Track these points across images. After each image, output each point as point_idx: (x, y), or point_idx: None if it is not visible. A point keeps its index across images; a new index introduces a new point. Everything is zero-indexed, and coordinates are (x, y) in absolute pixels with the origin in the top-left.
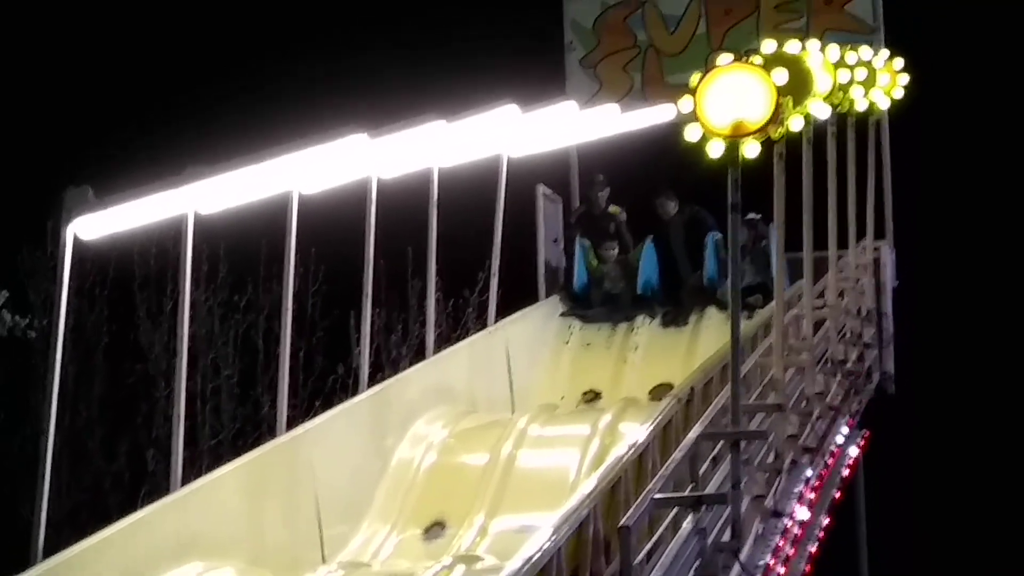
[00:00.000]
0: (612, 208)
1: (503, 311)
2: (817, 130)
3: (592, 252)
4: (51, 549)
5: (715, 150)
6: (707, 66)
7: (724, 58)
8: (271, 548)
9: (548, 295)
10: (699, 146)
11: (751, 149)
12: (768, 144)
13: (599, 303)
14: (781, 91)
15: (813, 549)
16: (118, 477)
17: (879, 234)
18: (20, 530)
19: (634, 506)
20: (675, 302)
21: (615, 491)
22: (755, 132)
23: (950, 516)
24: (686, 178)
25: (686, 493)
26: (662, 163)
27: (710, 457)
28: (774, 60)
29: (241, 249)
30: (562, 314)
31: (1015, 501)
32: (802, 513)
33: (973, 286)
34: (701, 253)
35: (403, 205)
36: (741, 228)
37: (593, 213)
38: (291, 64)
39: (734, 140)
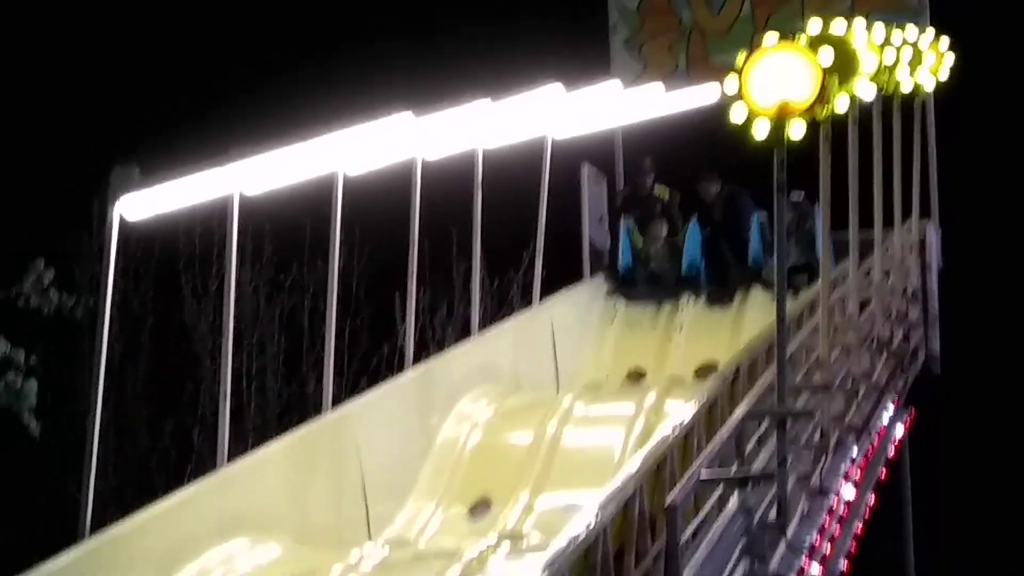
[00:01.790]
0: (658, 190)
1: (548, 290)
2: (863, 111)
3: (637, 232)
4: (98, 526)
5: (761, 130)
6: (752, 46)
7: (770, 38)
8: (316, 525)
9: (593, 275)
10: (745, 127)
11: (797, 129)
12: (814, 125)
13: (644, 283)
14: (827, 71)
15: (859, 528)
16: (164, 455)
17: (924, 214)
18: (67, 507)
19: (680, 484)
20: (720, 282)
21: (661, 470)
22: (801, 112)
23: (996, 496)
24: (731, 159)
25: (732, 471)
26: (705, 145)
27: (756, 436)
28: (820, 40)
29: (286, 229)
30: (608, 293)
31: None
32: (848, 492)
33: (1018, 266)
34: (740, 233)
35: (448, 185)
36: (787, 209)
37: (639, 195)
38: (337, 45)
39: (780, 120)
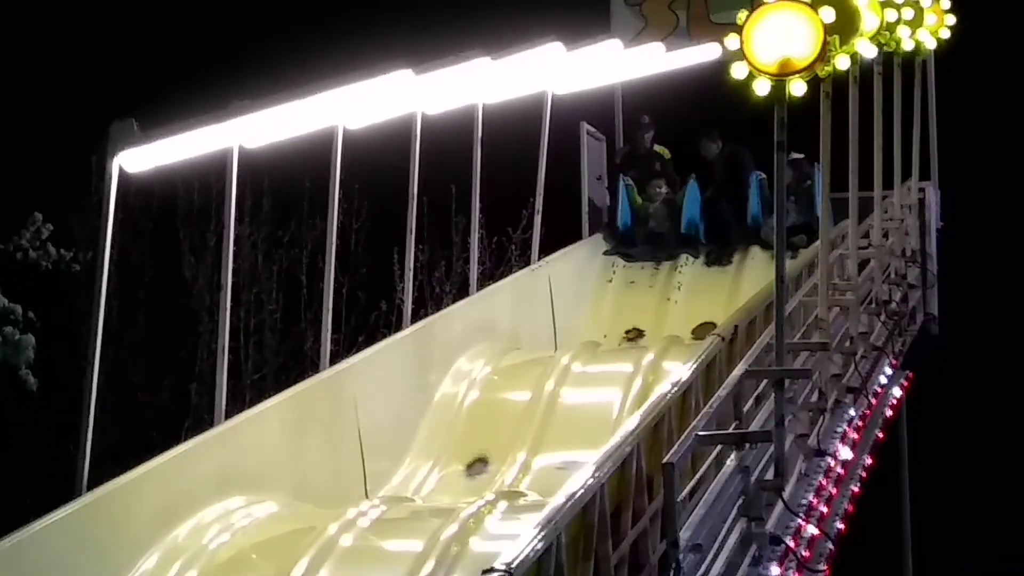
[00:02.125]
0: (657, 148)
1: (546, 249)
2: (863, 70)
3: (636, 191)
4: (95, 481)
5: (761, 88)
6: (754, 4)
7: None
8: (313, 482)
9: (592, 233)
10: (745, 84)
11: (797, 88)
12: (815, 83)
13: (643, 242)
14: (828, 29)
15: (856, 489)
16: (161, 411)
17: (924, 175)
18: (64, 462)
19: (678, 443)
20: (718, 242)
21: (658, 429)
22: (802, 70)
23: (992, 457)
24: (730, 119)
25: (730, 431)
26: (704, 104)
27: (754, 396)
28: None
29: (285, 185)
30: (605, 252)
31: None
32: (845, 453)
33: (1018, 227)
34: (740, 191)
35: (447, 142)
36: (786, 168)
37: (638, 153)
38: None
39: (781, 78)
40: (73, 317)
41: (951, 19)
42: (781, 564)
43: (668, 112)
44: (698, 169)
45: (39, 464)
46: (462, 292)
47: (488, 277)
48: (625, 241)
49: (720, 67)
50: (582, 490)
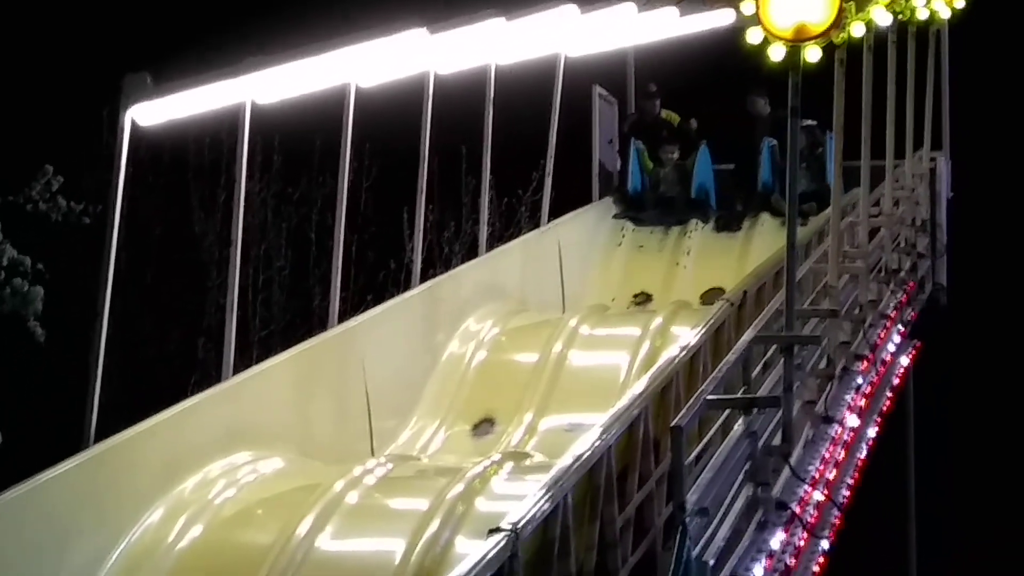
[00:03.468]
0: (666, 114)
1: (556, 211)
2: (878, 38)
3: (646, 155)
4: (102, 434)
5: (776, 54)
6: None
7: None
8: (320, 440)
9: (602, 196)
10: (760, 49)
11: (812, 54)
12: (829, 50)
13: (653, 206)
14: None
15: (862, 457)
16: (169, 364)
17: (936, 145)
18: (72, 414)
19: (686, 406)
20: (731, 205)
21: (666, 393)
22: (817, 36)
23: (998, 427)
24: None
25: (739, 395)
26: (718, 69)
27: (762, 361)
28: None
29: (296, 142)
30: (615, 216)
31: None
32: (852, 420)
33: None
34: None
35: (459, 102)
36: (799, 134)
37: (647, 119)
38: None
39: (795, 44)
40: (82, 270)
41: None
42: (787, 529)
43: (681, 77)
44: (710, 135)
45: (46, 416)
46: (471, 253)
47: (497, 239)
48: (635, 205)
49: (735, 32)
50: (589, 452)
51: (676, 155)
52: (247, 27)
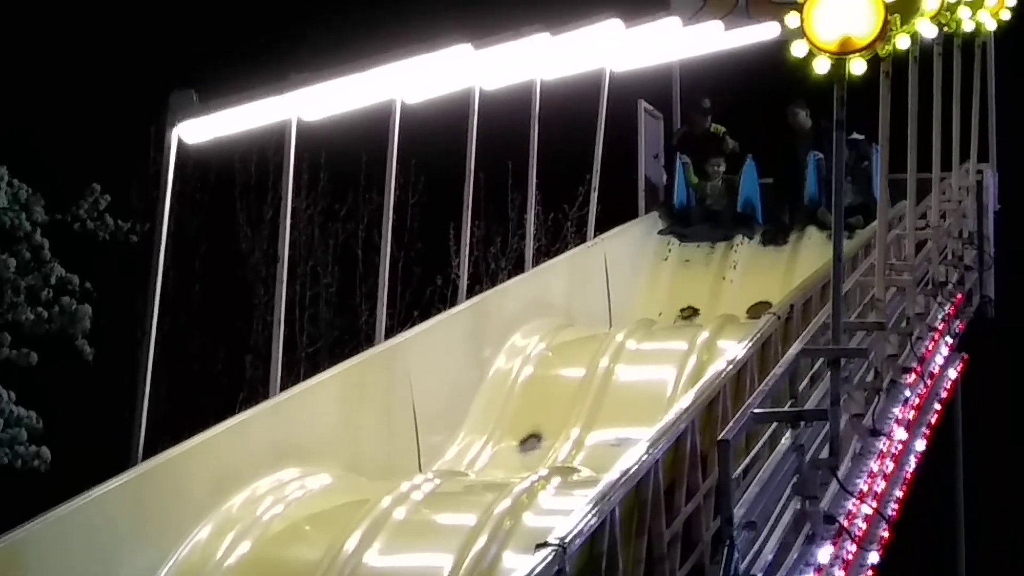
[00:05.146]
0: (715, 128)
1: (602, 226)
2: (923, 50)
3: (692, 169)
4: (149, 452)
5: (821, 67)
6: None
7: None
8: (367, 455)
9: (648, 211)
10: (805, 62)
11: (857, 67)
12: (874, 62)
13: (699, 220)
14: (889, 8)
15: (910, 470)
16: (216, 382)
17: (982, 157)
18: (120, 433)
19: (733, 420)
20: (777, 220)
21: (713, 407)
22: (862, 49)
23: None
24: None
25: (786, 409)
26: (763, 83)
27: (809, 375)
28: None
29: (342, 158)
30: (660, 231)
31: None
32: (900, 433)
33: None
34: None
35: (505, 118)
36: (844, 147)
37: (696, 133)
38: None
39: (840, 57)
40: (130, 288)
41: (1012, 0)
42: (835, 543)
43: (726, 92)
44: (755, 149)
45: (95, 433)
46: (517, 268)
47: (544, 254)
48: (680, 220)
49: (780, 46)
50: (636, 466)
51: (723, 168)
52: (292, 44)
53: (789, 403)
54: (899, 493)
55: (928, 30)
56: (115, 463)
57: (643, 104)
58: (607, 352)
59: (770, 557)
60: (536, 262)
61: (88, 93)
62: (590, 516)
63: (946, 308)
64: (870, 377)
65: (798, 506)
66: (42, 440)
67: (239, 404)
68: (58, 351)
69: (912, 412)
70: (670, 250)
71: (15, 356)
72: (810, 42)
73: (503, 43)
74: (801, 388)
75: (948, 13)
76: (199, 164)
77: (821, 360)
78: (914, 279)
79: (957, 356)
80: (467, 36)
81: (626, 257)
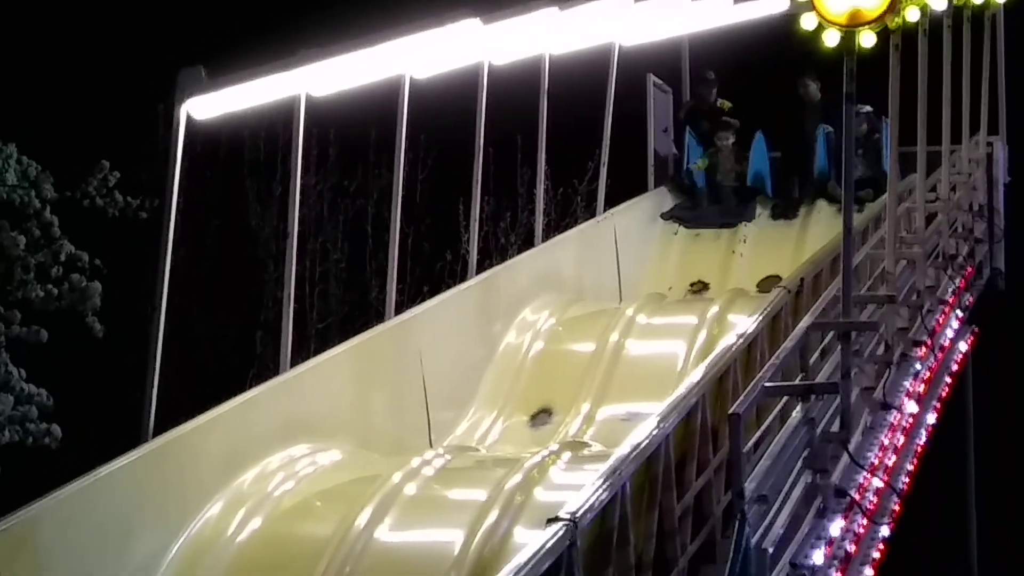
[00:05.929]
0: (721, 102)
1: (612, 201)
2: (933, 22)
3: (700, 143)
4: (160, 428)
5: (831, 39)
6: None
7: None
8: (378, 431)
9: (657, 185)
10: (814, 35)
11: (867, 39)
12: (884, 35)
13: (705, 201)
14: None
15: (921, 443)
16: (226, 358)
17: (992, 130)
18: (130, 409)
19: (744, 393)
20: (786, 193)
21: (723, 381)
22: (872, 22)
23: None
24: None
25: (797, 382)
26: (772, 57)
27: (819, 348)
28: None
29: (351, 134)
30: (663, 215)
31: None
32: (911, 406)
33: None
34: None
35: (514, 93)
36: (854, 120)
37: (702, 108)
38: None
39: (850, 29)
40: (139, 265)
41: None
42: (846, 516)
43: (736, 65)
44: (765, 122)
45: (105, 411)
46: (527, 243)
47: (553, 228)
48: (689, 195)
49: (789, 19)
50: (647, 441)
51: (732, 141)
52: (301, 20)
53: (800, 377)
54: (911, 466)
55: (938, 2)
56: (126, 440)
57: (652, 78)
58: (617, 327)
59: (781, 531)
60: (546, 237)
61: (97, 70)
62: (601, 491)
63: (956, 281)
64: (881, 350)
65: (809, 480)
66: (53, 418)
67: (249, 381)
68: (68, 328)
69: (923, 385)
70: (680, 224)
71: (25, 333)
72: (819, 15)
73: (512, 18)
74: (812, 361)
75: None
76: (208, 141)
77: (831, 333)
78: (924, 252)
79: (968, 329)
80: (476, 11)
81: (636, 231)
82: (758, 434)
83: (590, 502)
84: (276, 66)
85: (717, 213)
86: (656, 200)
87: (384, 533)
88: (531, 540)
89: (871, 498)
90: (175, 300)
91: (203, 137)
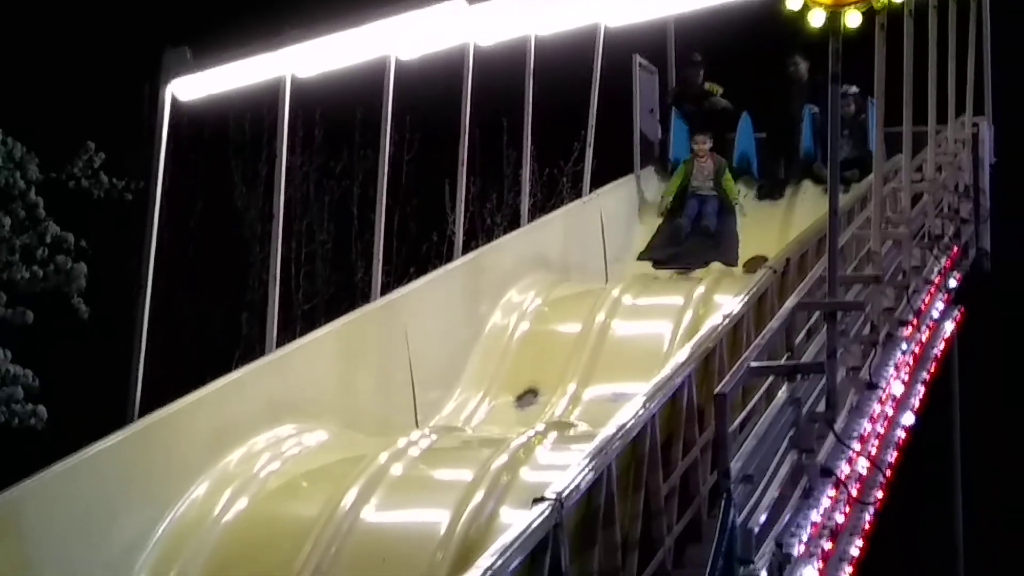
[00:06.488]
0: (710, 85)
1: (598, 182)
2: (919, 2)
3: (686, 124)
4: (145, 410)
5: (816, 20)
6: None
7: None
8: (364, 412)
9: (643, 166)
10: (800, 15)
11: (852, 19)
12: (869, 15)
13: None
14: None
15: (907, 423)
16: (212, 339)
17: (978, 110)
18: (115, 390)
19: (730, 373)
20: (772, 174)
21: (709, 361)
22: (857, 1)
23: None
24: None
25: (782, 362)
26: (758, 38)
27: (805, 328)
28: None
29: (337, 115)
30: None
31: None
32: (897, 386)
33: None
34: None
35: (500, 74)
36: (840, 100)
37: (690, 91)
38: None
39: (836, 9)
40: (125, 246)
41: None
42: (832, 496)
43: (721, 45)
44: (750, 103)
45: (91, 391)
46: (513, 224)
47: (539, 209)
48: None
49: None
50: (633, 421)
51: (708, 144)
52: (286, 1)
53: (786, 357)
54: (896, 446)
55: None
56: (112, 421)
57: (638, 59)
58: (603, 307)
59: (767, 510)
60: (532, 218)
61: (82, 50)
62: (587, 471)
63: (942, 261)
64: (866, 330)
65: (795, 459)
66: (38, 398)
67: (235, 361)
68: (54, 309)
69: (908, 365)
70: (665, 204)
71: (10, 315)
72: None
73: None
74: (797, 342)
75: None
76: (194, 122)
77: (817, 313)
78: (910, 232)
79: (953, 309)
80: None
81: (622, 212)
82: (744, 414)
83: (576, 482)
84: (261, 47)
85: (692, 252)
86: (642, 181)
87: (370, 513)
88: (517, 520)
89: (857, 478)
90: (160, 281)
91: (188, 118)
